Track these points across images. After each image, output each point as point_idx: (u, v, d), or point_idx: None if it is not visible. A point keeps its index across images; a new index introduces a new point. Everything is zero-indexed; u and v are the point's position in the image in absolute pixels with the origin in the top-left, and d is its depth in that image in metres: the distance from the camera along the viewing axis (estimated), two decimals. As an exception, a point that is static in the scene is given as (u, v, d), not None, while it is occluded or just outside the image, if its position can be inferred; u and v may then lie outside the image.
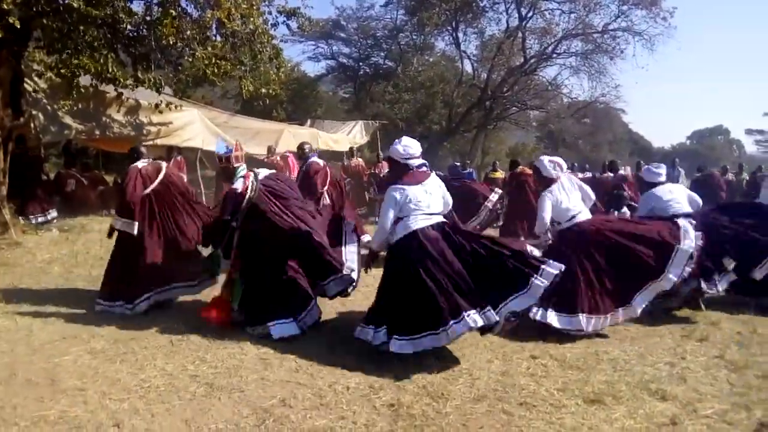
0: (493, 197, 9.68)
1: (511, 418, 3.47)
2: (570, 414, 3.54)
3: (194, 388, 3.75)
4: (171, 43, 7.80)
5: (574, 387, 3.93)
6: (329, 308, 5.76)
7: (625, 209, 7.16)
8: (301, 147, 7.53)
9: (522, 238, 8.58)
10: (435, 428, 3.32)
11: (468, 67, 30.78)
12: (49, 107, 9.55)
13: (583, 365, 4.37)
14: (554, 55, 27.64)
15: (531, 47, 27.74)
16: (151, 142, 11.76)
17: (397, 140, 4.63)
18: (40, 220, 9.88)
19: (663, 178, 6.09)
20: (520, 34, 27.17)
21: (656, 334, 5.26)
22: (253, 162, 14.26)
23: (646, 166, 6.37)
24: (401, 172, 4.52)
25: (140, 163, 5.64)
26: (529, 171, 10.04)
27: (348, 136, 20.84)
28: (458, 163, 15.27)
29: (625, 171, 13.34)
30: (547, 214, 5.29)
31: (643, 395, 3.84)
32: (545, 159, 5.51)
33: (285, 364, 4.18)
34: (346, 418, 3.40)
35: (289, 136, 16.16)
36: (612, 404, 3.67)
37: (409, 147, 4.53)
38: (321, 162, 7.48)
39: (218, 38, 9.38)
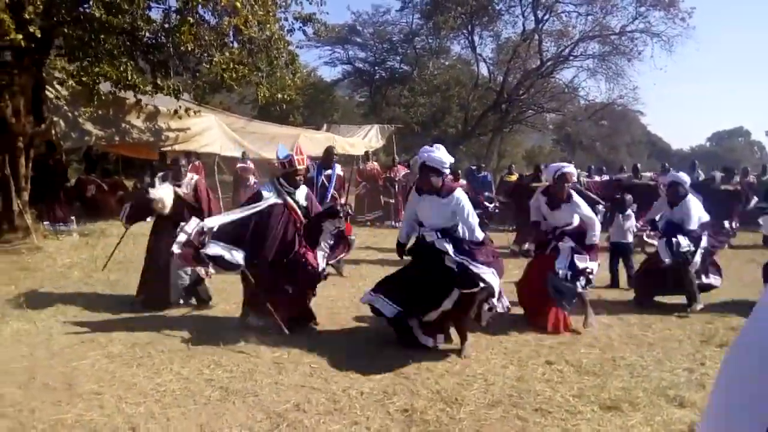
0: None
1: (526, 425, 3.45)
2: (586, 421, 3.51)
3: (209, 393, 3.77)
4: (189, 49, 7.89)
5: (590, 393, 3.89)
6: (344, 314, 5.79)
7: (629, 213, 7.09)
8: (328, 152, 7.52)
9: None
10: (449, 434, 3.30)
11: (484, 70, 30.71)
12: (69, 114, 9.71)
13: (599, 371, 4.33)
14: (571, 58, 27.43)
15: (547, 50, 27.60)
16: (169, 148, 11.95)
17: (432, 147, 4.65)
18: (61, 228, 10.04)
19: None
20: (536, 37, 27.01)
21: (674, 339, 5.20)
22: (268, 167, 14.43)
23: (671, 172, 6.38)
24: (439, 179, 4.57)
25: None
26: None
27: (364, 140, 20.86)
28: (474, 167, 15.22)
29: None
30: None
31: (660, 402, 3.78)
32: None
33: (299, 369, 4.19)
34: (360, 424, 3.40)
35: (305, 141, 16.23)
36: (628, 411, 3.62)
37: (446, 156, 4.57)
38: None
39: (235, 44, 9.48)
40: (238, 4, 7.44)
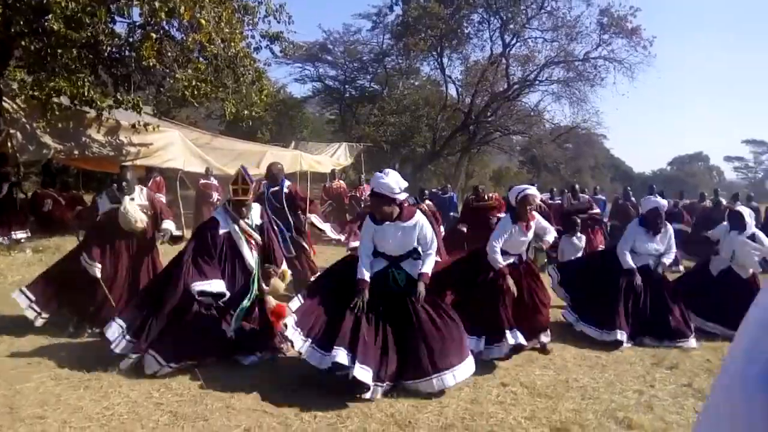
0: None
1: (477, 448, 3.46)
2: (536, 443, 3.54)
3: (158, 417, 3.69)
4: (151, 65, 7.81)
5: (542, 415, 3.94)
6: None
7: (579, 234, 7.28)
8: (271, 169, 7.39)
9: None
10: (399, 458, 3.29)
11: (453, 92, 31.20)
12: (27, 126, 9.48)
13: (552, 393, 4.38)
14: (537, 82, 28.10)
15: (514, 74, 28.20)
16: (130, 163, 11.74)
17: (381, 173, 4.44)
18: (17, 235, 9.79)
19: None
20: (503, 61, 27.60)
21: (627, 361, 5.31)
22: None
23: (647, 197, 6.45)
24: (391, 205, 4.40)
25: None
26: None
27: (332, 158, 20.89)
28: (438, 189, 15.32)
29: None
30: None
31: (609, 424, 3.85)
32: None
33: (251, 392, 4.12)
34: (310, 448, 3.37)
35: (271, 158, 16.11)
36: (578, 433, 3.67)
37: (400, 182, 4.35)
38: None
39: (201, 60, 9.42)
40: (203, 21, 7.43)
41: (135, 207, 5.49)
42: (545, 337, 5.38)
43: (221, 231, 4.79)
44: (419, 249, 4.48)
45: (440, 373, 4.11)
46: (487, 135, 29.90)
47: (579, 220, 7.69)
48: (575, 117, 28.76)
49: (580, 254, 7.46)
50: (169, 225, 5.75)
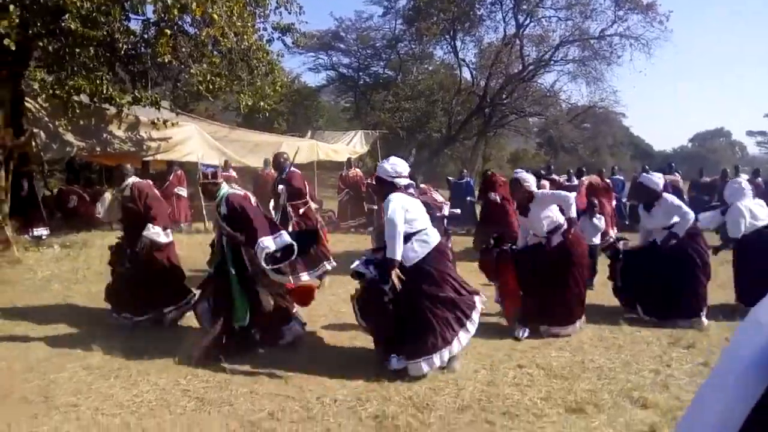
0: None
1: (493, 428, 3.55)
2: (551, 423, 3.62)
3: (185, 403, 3.84)
4: (166, 61, 7.96)
5: (557, 396, 4.01)
6: (322, 321, 5.88)
7: (598, 215, 7.28)
8: (276, 158, 7.51)
9: None
10: (417, 439, 3.41)
11: (467, 75, 31.02)
12: (50, 125, 9.71)
13: (568, 374, 4.45)
14: (552, 62, 27.81)
15: (528, 54, 27.95)
16: (151, 158, 11.98)
17: (384, 159, 4.71)
18: (39, 233, 10.08)
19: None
20: (517, 42, 27.35)
21: (644, 341, 5.34)
22: (250, 174, 14.50)
23: (643, 174, 6.46)
24: (388, 191, 4.58)
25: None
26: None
27: (348, 146, 20.97)
28: (451, 178, 15.40)
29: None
30: None
31: (624, 403, 3.91)
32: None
33: (274, 378, 4.26)
34: (332, 430, 3.49)
35: (288, 148, 16.28)
36: (593, 413, 3.74)
37: (397, 166, 4.59)
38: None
39: (216, 54, 9.55)
40: (215, 16, 7.53)
41: (105, 199, 5.70)
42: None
43: None
44: None
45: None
46: (503, 117, 29.75)
47: (596, 201, 7.67)
48: (592, 96, 28.48)
49: (599, 234, 7.47)
50: (149, 233, 5.49)
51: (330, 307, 6.35)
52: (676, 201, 5.91)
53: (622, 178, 14.87)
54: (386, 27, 30.89)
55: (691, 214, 5.76)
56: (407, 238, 4.35)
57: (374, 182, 4.69)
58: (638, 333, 5.56)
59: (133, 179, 5.76)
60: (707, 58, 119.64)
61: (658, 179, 6.06)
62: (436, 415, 3.70)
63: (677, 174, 14.54)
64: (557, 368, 4.57)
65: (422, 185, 7.85)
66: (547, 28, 27.36)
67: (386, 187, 4.57)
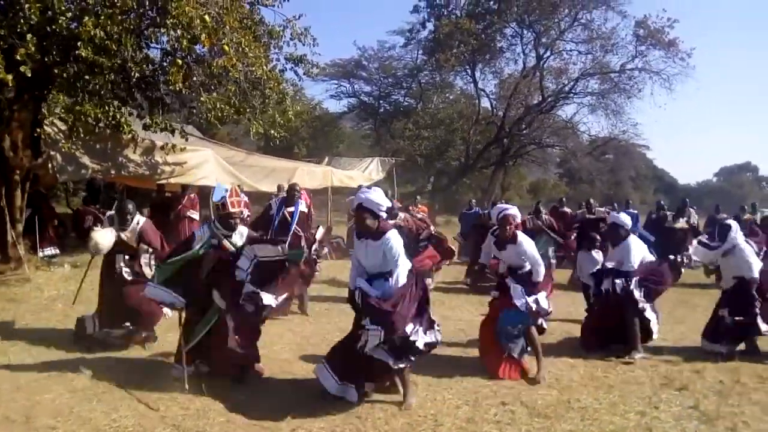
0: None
1: (464, 467, 3.51)
2: (524, 464, 3.57)
3: (161, 429, 3.88)
4: (178, 89, 8.20)
5: (536, 436, 3.96)
6: (310, 350, 5.88)
7: (597, 249, 7.19)
8: (291, 189, 7.62)
9: None
10: (385, 475, 3.38)
11: (486, 104, 31.18)
12: (66, 148, 10.00)
13: (551, 413, 4.38)
14: (571, 94, 27.81)
15: (548, 86, 27.98)
16: (165, 181, 12.23)
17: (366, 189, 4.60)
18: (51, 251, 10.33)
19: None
20: (537, 74, 27.45)
21: (636, 381, 5.24)
22: (265, 199, 14.67)
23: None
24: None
25: None
26: None
27: (364, 173, 21.15)
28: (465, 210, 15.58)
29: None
30: None
31: (603, 446, 3.84)
32: None
33: (253, 407, 4.27)
34: (301, 463, 3.49)
35: (303, 174, 16.55)
36: (569, 455, 3.68)
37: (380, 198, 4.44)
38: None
39: (229, 83, 9.79)
40: (226, 47, 7.76)
41: (106, 234, 5.64)
42: None
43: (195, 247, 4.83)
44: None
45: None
46: (521, 147, 29.70)
47: (598, 236, 7.61)
48: (613, 128, 28.29)
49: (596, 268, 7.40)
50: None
51: (323, 336, 6.35)
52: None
53: (635, 211, 14.68)
54: (407, 57, 31.36)
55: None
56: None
57: (358, 210, 4.42)
58: (631, 373, 5.46)
59: (140, 218, 5.90)
60: (735, 91, 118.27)
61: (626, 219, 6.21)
62: (409, 451, 3.68)
63: (692, 210, 14.32)
64: (541, 407, 4.51)
65: (402, 214, 7.86)
66: (567, 60, 27.48)
67: (373, 217, 4.39)
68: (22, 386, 4.54)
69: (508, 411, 4.42)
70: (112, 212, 5.95)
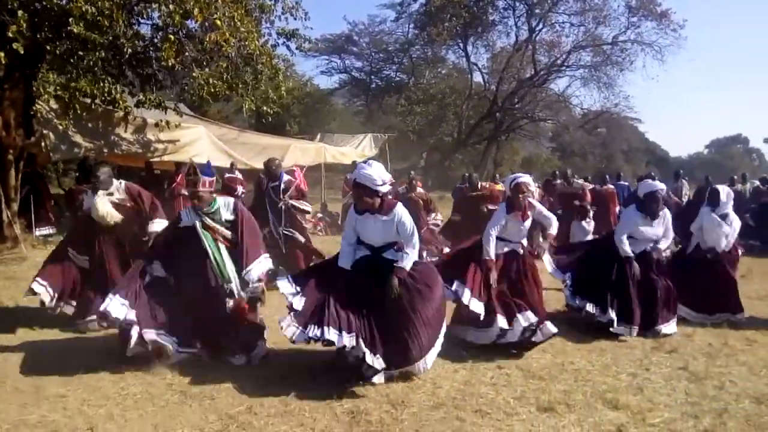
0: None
1: (464, 424, 3.65)
2: (521, 421, 3.72)
3: (168, 396, 3.99)
4: (171, 65, 8.17)
5: (531, 396, 4.10)
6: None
7: (588, 219, 7.29)
8: (268, 165, 7.50)
9: None
10: (388, 433, 3.51)
11: (479, 79, 31.11)
12: (60, 126, 9.98)
13: (545, 375, 4.53)
14: (564, 67, 27.79)
15: (540, 60, 27.94)
16: (158, 159, 12.23)
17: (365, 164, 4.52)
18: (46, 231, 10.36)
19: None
20: (529, 47, 27.36)
21: (627, 346, 5.40)
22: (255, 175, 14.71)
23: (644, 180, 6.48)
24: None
25: None
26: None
27: (357, 149, 21.14)
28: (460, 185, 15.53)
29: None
30: None
31: (596, 404, 3.99)
32: None
33: (256, 376, 4.37)
34: (305, 425, 3.61)
35: (296, 151, 16.58)
36: (563, 412, 3.83)
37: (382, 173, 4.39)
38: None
39: (220, 59, 9.75)
40: (218, 22, 7.72)
41: (105, 202, 5.57)
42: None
43: (182, 225, 4.80)
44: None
45: (422, 358, 4.28)
46: (514, 122, 29.75)
47: (590, 206, 7.76)
48: (606, 101, 28.36)
49: (589, 237, 7.54)
50: (156, 227, 5.59)
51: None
52: None
53: (627, 183, 14.84)
54: (399, 31, 31.26)
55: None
56: None
57: (357, 187, 4.38)
58: (624, 338, 5.61)
59: (120, 182, 5.82)
60: (726, 63, 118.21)
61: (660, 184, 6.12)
62: (410, 412, 3.81)
63: (684, 181, 14.54)
64: (536, 369, 4.66)
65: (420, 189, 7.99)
66: (559, 33, 27.41)
67: (369, 193, 4.34)
68: (29, 359, 4.63)
69: (503, 374, 4.57)
70: (92, 182, 5.70)
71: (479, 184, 10.57)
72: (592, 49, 27.02)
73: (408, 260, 4.38)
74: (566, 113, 29.84)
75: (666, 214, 5.87)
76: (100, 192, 5.62)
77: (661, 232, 5.84)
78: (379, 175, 4.28)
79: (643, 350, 5.25)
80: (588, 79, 27.81)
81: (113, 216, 5.63)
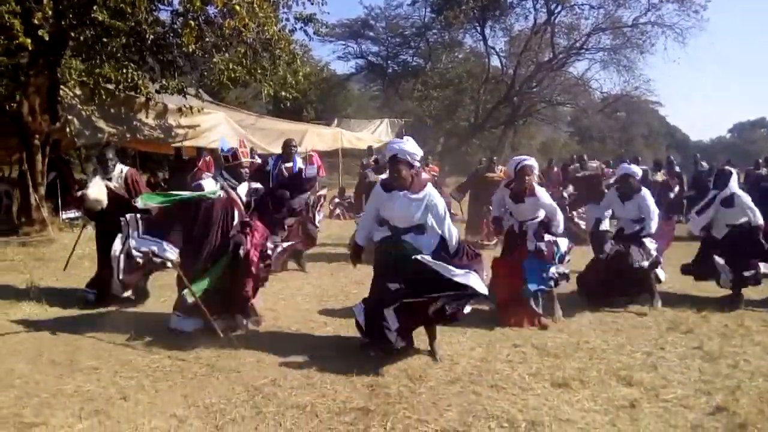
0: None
1: (479, 398, 3.77)
2: (535, 396, 3.82)
3: (196, 369, 4.16)
4: (191, 51, 8.31)
5: (546, 372, 4.20)
6: (332, 300, 6.16)
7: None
8: (289, 144, 7.57)
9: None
10: (406, 405, 3.64)
11: (497, 63, 30.84)
12: (84, 112, 10.20)
13: (561, 353, 4.63)
14: (583, 50, 27.45)
15: (559, 43, 27.61)
16: (179, 144, 12.44)
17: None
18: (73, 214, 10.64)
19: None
20: (548, 30, 27.05)
21: (643, 325, 5.46)
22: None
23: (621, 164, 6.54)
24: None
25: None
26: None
27: (373, 134, 21.23)
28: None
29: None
30: None
31: (610, 381, 4.08)
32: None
33: (280, 351, 4.53)
34: (327, 396, 3.76)
35: (312, 136, 16.73)
36: (577, 388, 3.92)
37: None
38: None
39: (241, 44, 9.87)
40: (237, 7, 7.83)
41: (98, 188, 5.64)
42: None
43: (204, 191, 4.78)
44: (431, 224, 4.27)
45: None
46: (532, 106, 29.50)
47: (606, 190, 7.78)
48: (626, 85, 27.98)
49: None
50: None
51: (341, 288, 6.63)
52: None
53: (646, 167, 14.72)
54: (415, 15, 31.01)
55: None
56: None
57: (394, 161, 4.24)
58: (639, 318, 5.68)
59: (124, 166, 5.94)
60: (749, 47, 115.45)
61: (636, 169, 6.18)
62: (427, 386, 3.93)
63: (704, 164, 14.46)
64: (551, 348, 4.75)
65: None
66: (578, 15, 27.02)
67: (408, 165, 4.25)
68: (62, 334, 4.84)
69: (519, 352, 4.67)
70: (95, 165, 5.90)
71: (496, 167, 10.64)
72: (612, 32, 26.59)
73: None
74: (585, 97, 29.50)
75: (642, 197, 5.91)
76: (97, 177, 5.73)
77: (633, 215, 5.97)
78: (416, 149, 4.29)
79: (659, 330, 5.31)
80: (608, 62, 27.46)
81: (101, 202, 5.68)
